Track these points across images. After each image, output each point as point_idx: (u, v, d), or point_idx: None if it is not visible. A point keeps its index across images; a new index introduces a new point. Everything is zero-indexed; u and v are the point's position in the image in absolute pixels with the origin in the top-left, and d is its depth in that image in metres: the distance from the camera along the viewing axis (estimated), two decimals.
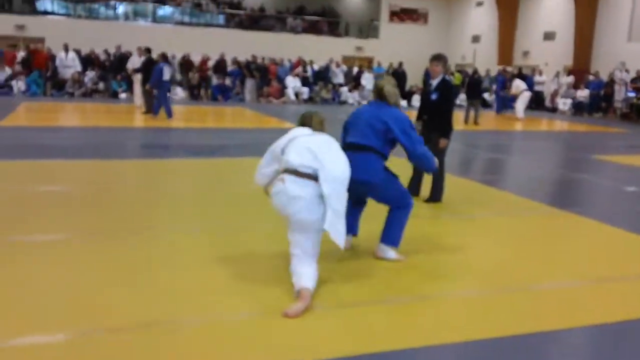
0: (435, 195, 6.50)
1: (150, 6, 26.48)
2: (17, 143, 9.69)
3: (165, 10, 26.77)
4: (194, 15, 27.19)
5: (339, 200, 3.64)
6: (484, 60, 27.19)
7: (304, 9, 29.38)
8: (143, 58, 15.21)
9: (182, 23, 26.66)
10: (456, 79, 17.93)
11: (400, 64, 25.75)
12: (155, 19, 26.41)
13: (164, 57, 14.34)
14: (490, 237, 5.40)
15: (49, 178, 7.07)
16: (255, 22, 28.18)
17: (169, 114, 14.01)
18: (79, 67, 20.74)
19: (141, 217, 5.49)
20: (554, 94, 23.66)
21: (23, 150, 9.03)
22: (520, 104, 18.28)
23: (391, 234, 4.47)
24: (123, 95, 20.32)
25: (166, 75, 13.82)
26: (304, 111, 4.25)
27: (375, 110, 4.42)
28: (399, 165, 5.40)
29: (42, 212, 5.50)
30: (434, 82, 6.34)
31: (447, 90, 6.29)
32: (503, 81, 19.96)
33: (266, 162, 3.98)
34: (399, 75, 25.31)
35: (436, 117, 6.29)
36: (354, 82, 24.32)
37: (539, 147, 12.57)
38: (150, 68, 14.42)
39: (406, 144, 4.36)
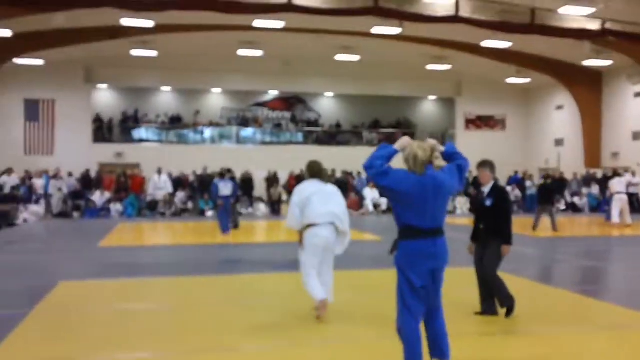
0: (509, 302, 5.98)
1: (234, 129, 28.16)
2: (112, 262, 10.19)
3: (248, 131, 28.35)
4: (274, 135, 28.60)
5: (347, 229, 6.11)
6: (570, 163, 26.49)
7: (378, 122, 30.20)
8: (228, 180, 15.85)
9: (263, 143, 28.05)
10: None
11: None
12: (239, 140, 27.95)
13: (221, 175, 14.96)
14: (602, 355, 4.99)
15: (138, 296, 7.32)
16: (333, 137, 29.17)
17: (225, 229, 14.19)
18: (170, 189, 22.00)
19: (223, 334, 5.50)
20: None
21: (117, 269, 9.46)
22: (614, 208, 16.68)
23: (447, 343, 4.21)
24: (209, 214, 21.13)
25: (223, 191, 14.29)
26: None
27: (433, 182, 4.02)
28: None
29: (133, 331, 5.64)
30: (486, 189, 6.20)
31: (502, 194, 6.14)
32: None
33: (296, 215, 5.97)
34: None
35: (493, 224, 6.01)
36: None
37: None
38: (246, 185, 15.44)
39: (464, 167, 4.20)
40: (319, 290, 5.86)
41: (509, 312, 6.01)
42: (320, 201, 5.90)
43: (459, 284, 7.93)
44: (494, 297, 6.11)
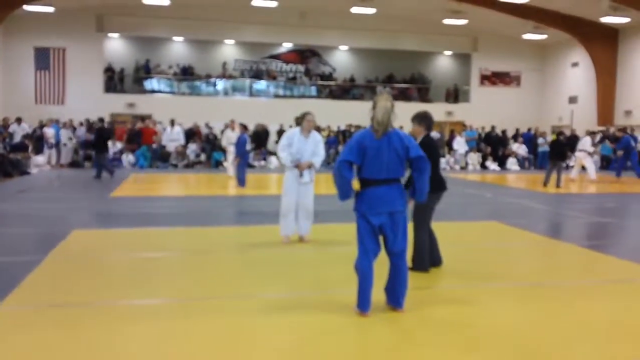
0: (419, 264, 5.96)
1: (247, 82, 27.97)
2: (125, 212, 10.32)
3: (261, 84, 28.15)
4: (287, 88, 28.39)
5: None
6: (583, 120, 26.21)
7: (393, 77, 29.89)
8: (237, 132, 15.53)
9: (277, 96, 27.88)
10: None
11: (493, 128, 25.39)
12: (252, 93, 27.80)
13: (245, 128, 14.91)
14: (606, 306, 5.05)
15: (151, 245, 7.43)
16: (346, 91, 28.95)
17: (242, 183, 14.37)
18: (182, 141, 22.04)
19: (238, 282, 5.62)
20: None
21: (130, 218, 9.59)
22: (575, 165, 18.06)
23: (403, 295, 4.70)
24: (226, 164, 21.19)
25: (248, 146, 14.45)
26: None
27: (389, 139, 4.58)
28: None
29: (146, 278, 5.76)
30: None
31: (423, 148, 5.54)
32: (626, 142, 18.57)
33: (286, 154, 7.24)
34: (491, 138, 24.94)
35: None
36: (447, 146, 24.23)
37: None
38: (102, 138, 16.30)
39: (422, 156, 4.65)
40: (304, 227, 7.52)
41: (413, 270, 5.84)
42: (308, 150, 7.34)
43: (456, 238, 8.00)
44: (437, 249, 6.11)
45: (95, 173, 16.48)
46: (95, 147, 16.74)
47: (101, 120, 16.93)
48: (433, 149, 5.92)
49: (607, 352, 4.00)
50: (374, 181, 4.59)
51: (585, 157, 17.59)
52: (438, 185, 5.92)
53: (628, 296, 5.37)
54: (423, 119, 6.01)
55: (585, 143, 17.78)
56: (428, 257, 6.02)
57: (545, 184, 15.42)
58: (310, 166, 7.30)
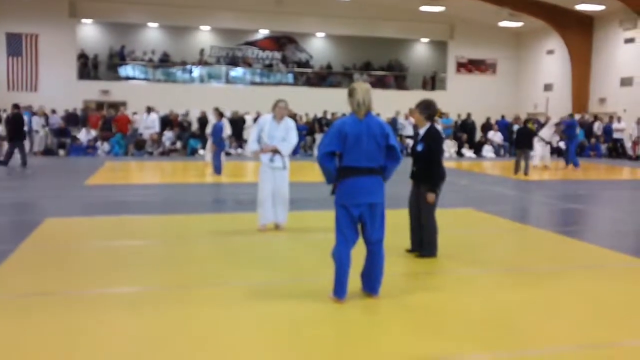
0: (430, 250, 6.10)
1: (223, 69, 27.72)
2: (100, 200, 10.21)
3: (238, 71, 27.92)
4: (264, 76, 28.22)
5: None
6: (558, 108, 26.51)
7: (370, 65, 29.87)
8: (214, 120, 14.89)
9: (253, 83, 27.69)
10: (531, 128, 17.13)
11: (469, 115, 25.56)
12: (228, 80, 27.56)
13: (221, 115, 14.55)
14: (574, 292, 5.14)
15: (125, 233, 7.37)
16: (323, 79, 28.86)
17: (219, 171, 14.23)
18: (157, 128, 21.79)
19: (211, 270, 5.60)
20: (636, 142, 22.58)
21: (106, 207, 9.49)
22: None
23: (379, 281, 4.72)
24: (201, 152, 21.05)
25: (225, 133, 14.27)
26: None
27: (368, 126, 4.54)
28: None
29: (121, 266, 5.71)
30: (421, 132, 6.03)
31: (433, 139, 5.91)
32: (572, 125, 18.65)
33: (254, 140, 7.38)
34: (467, 126, 25.13)
35: (424, 169, 5.95)
36: None
37: (623, 197, 12.00)
38: (16, 125, 15.31)
39: (397, 146, 4.66)
40: (279, 214, 7.51)
41: (422, 257, 6.08)
42: (278, 137, 7.33)
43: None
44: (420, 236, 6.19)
45: (3, 158, 15.72)
46: (10, 133, 15.69)
47: (16, 106, 16.22)
48: (439, 143, 6.00)
49: (584, 334, 4.08)
50: (354, 170, 4.54)
51: (537, 141, 17.36)
52: (440, 179, 6.03)
53: (601, 281, 5.48)
54: (428, 107, 6.00)
55: (545, 130, 17.80)
56: (437, 243, 6.10)
57: (516, 171, 15.45)
58: (275, 151, 7.27)
